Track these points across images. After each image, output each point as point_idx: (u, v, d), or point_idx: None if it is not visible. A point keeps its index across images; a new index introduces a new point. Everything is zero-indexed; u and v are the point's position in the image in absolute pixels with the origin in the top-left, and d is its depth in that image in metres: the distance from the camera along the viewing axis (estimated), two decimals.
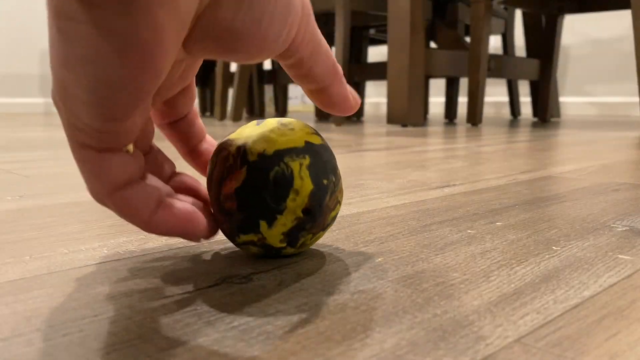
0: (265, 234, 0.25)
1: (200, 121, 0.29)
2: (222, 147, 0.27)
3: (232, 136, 0.27)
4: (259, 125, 0.27)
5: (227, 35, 0.20)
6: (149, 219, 0.22)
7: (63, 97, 0.19)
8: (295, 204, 0.25)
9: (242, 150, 0.25)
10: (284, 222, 0.25)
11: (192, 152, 0.29)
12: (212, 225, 0.25)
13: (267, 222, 0.25)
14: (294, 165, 0.25)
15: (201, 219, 0.24)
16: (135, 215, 0.21)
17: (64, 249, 0.29)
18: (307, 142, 0.26)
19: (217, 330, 0.19)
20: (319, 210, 0.26)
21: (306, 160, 0.25)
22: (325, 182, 0.26)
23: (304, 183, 0.25)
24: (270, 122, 0.27)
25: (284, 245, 0.26)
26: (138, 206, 0.21)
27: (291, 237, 0.26)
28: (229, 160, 0.26)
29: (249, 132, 0.26)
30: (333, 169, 0.27)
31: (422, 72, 1.65)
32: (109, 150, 0.20)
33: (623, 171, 0.61)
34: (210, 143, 0.29)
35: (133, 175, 0.21)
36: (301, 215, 0.25)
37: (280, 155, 0.25)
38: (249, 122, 2.02)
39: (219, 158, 0.26)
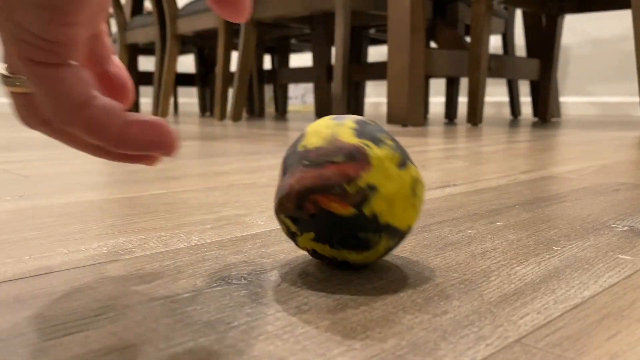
0: (300, 235, 0.25)
1: (108, 39, 0.25)
2: (354, 155, 0.24)
3: (368, 152, 0.24)
4: (401, 170, 0.24)
5: None
6: (124, 130, 0.21)
7: (6, 9, 0.18)
8: (346, 256, 0.25)
9: (363, 195, 0.23)
10: (324, 249, 0.25)
11: (102, 75, 0.25)
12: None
13: (315, 235, 0.24)
14: (382, 244, 0.24)
15: (170, 127, 0.22)
16: (107, 128, 0.20)
17: (63, 249, 0.29)
18: (408, 227, 0.25)
19: (217, 331, 0.19)
20: (350, 267, 0.26)
21: (393, 244, 0.25)
22: (381, 257, 0.26)
23: (371, 257, 0.25)
24: (408, 178, 0.24)
25: (305, 251, 0.26)
26: (109, 119, 0.20)
27: (313, 253, 0.26)
28: (345, 186, 0.23)
29: (387, 169, 0.24)
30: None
31: (422, 72, 1.65)
32: (63, 65, 0.20)
33: (623, 171, 0.61)
34: (119, 66, 0.25)
35: (93, 89, 0.21)
36: (338, 260, 0.25)
37: (384, 228, 0.24)
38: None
39: (339, 165, 0.24)
